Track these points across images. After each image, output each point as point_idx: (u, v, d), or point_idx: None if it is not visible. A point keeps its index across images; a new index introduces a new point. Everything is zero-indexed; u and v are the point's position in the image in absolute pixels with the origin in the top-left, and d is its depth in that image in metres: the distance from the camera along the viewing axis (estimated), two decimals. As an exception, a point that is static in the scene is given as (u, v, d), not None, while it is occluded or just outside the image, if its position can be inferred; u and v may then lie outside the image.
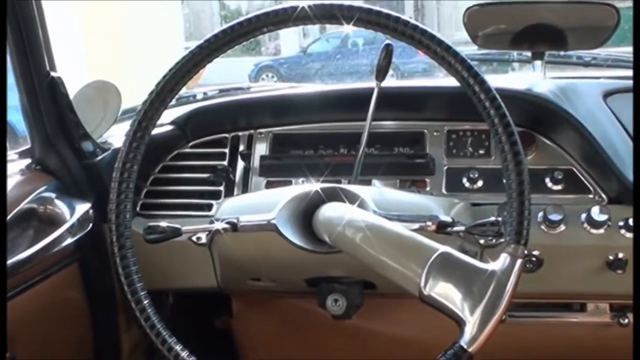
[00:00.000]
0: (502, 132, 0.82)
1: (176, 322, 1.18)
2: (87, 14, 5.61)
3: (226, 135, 1.38)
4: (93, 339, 1.31)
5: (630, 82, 1.26)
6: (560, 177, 1.22)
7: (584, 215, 1.16)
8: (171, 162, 1.37)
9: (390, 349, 1.40)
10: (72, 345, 1.27)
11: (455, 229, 1.01)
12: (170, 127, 1.35)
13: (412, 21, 0.84)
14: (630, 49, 1.33)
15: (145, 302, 0.88)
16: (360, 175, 1.19)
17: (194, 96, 1.64)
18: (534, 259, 1.16)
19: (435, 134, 1.31)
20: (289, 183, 1.30)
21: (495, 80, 1.21)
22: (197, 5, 10.69)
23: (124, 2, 5.83)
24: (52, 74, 1.18)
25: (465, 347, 0.77)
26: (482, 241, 1.14)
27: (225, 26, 0.88)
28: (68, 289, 1.25)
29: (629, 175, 1.14)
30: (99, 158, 1.24)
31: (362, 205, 1.00)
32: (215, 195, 1.32)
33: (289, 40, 9.14)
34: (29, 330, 1.10)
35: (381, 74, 1.19)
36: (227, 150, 1.37)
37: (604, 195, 1.21)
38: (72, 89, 1.25)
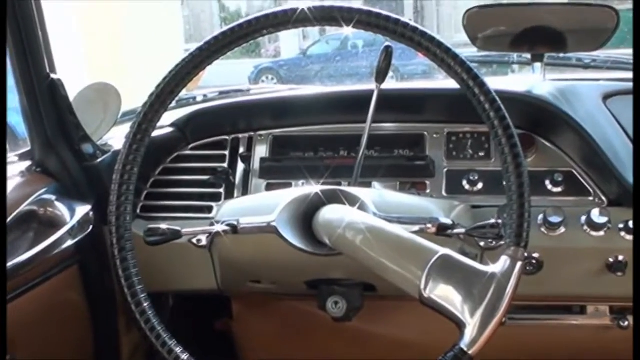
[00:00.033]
0: (502, 134, 0.82)
1: (176, 324, 1.19)
2: (87, 15, 5.60)
3: (226, 137, 1.38)
4: (93, 341, 1.31)
5: (630, 84, 1.26)
6: (560, 179, 1.22)
7: (584, 218, 1.16)
8: (171, 164, 1.37)
9: (391, 352, 1.40)
10: (72, 347, 1.27)
11: (456, 231, 1.01)
12: (170, 129, 1.35)
13: (412, 23, 0.84)
14: (629, 51, 1.32)
15: (146, 304, 0.88)
16: (360, 177, 1.19)
17: (194, 98, 1.64)
18: (534, 261, 1.16)
19: (435, 136, 1.31)
20: (289, 185, 1.29)
21: (495, 82, 1.20)
22: (197, 7, 10.71)
23: (124, 3, 5.82)
24: (52, 75, 1.18)
25: (465, 349, 0.77)
26: (482, 243, 1.14)
27: (225, 28, 0.88)
28: (68, 291, 1.24)
29: (629, 177, 1.14)
30: (99, 160, 1.24)
31: (362, 208, 1.00)
32: (216, 198, 1.32)
33: (288, 42, 9.14)
34: (29, 333, 1.10)
35: (381, 76, 1.19)
36: (227, 153, 1.37)
37: (604, 198, 1.21)
38: (72, 90, 1.25)
